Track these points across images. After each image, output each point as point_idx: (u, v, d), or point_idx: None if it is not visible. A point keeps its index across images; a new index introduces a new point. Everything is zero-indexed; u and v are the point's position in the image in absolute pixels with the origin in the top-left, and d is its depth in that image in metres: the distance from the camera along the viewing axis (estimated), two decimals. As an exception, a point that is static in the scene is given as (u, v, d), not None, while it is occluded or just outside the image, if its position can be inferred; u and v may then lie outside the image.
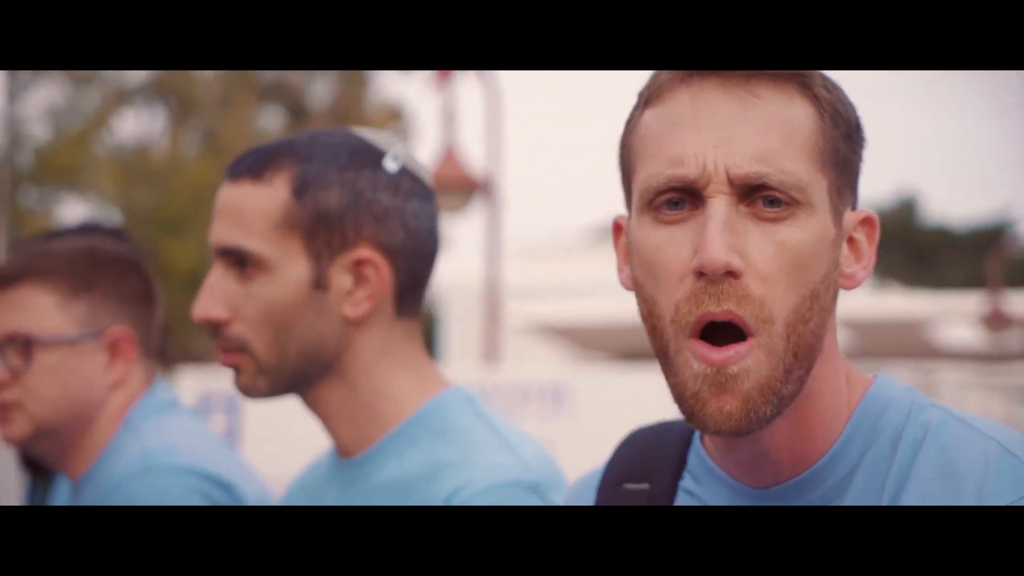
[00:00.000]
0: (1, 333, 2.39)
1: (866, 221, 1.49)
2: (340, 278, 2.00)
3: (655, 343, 1.43)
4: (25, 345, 2.37)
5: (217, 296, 2.00)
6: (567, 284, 21.59)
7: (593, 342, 18.36)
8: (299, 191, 1.99)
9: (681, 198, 1.42)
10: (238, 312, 1.99)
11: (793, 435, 1.45)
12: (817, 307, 1.42)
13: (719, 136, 1.40)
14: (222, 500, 2.28)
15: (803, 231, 1.40)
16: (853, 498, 1.45)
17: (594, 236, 31.02)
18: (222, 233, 2.00)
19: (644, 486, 1.54)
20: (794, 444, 1.45)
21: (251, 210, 1.99)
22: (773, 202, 1.40)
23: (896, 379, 1.52)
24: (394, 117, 26.62)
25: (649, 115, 1.46)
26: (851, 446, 1.46)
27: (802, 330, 1.40)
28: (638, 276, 1.45)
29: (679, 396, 1.41)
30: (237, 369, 2.01)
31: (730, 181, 1.39)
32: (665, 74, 1.45)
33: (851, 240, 1.47)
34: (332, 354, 2.00)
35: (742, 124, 1.41)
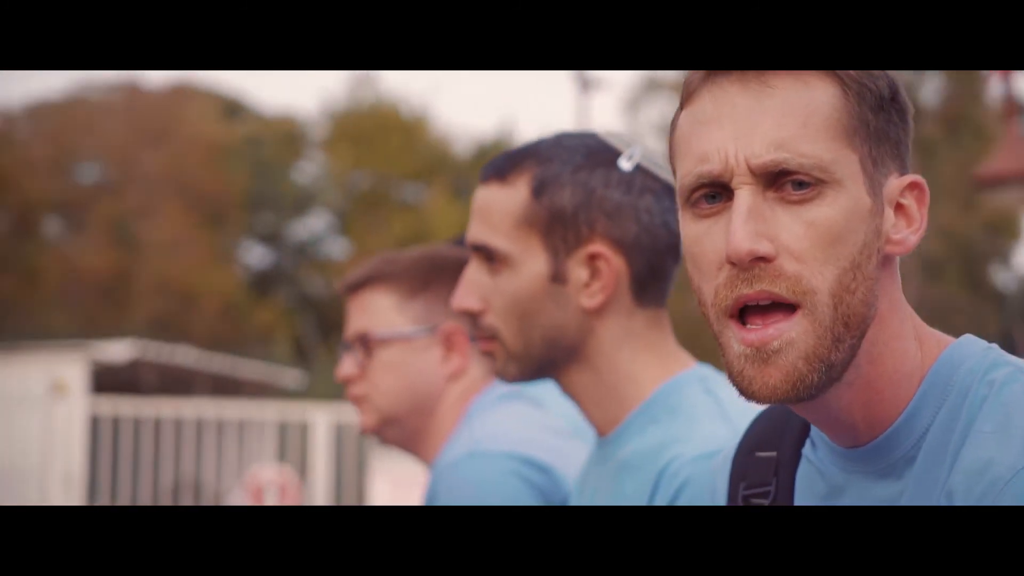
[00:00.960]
0: (351, 333, 2.70)
1: (913, 186, 1.50)
2: (577, 271, 2.13)
3: (710, 329, 1.50)
4: (367, 343, 2.66)
5: (471, 289, 2.18)
6: None
7: None
8: (537, 191, 2.15)
9: (715, 192, 1.49)
10: (489, 303, 2.16)
11: (860, 399, 1.49)
12: (861, 276, 1.45)
13: (738, 128, 1.46)
14: (539, 482, 2.44)
15: (832, 208, 1.44)
16: (924, 457, 1.47)
17: None
18: (473, 231, 2.19)
19: (772, 453, 1.63)
20: (864, 408, 1.50)
21: (496, 210, 2.16)
22: (800, 184, 1.45)
23: (980, 340, 1.53)
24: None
25: (683, 116, 1.54)
26: (924, 407, 1.49)
27: (849, 299, 1.44)
28: (687, 268, 1.53)
29: (729, 375, 1.49)
30: (491, 355, 2.18)
31: (752, 171, 1.45)
32: (694, 74, 1.52)
33: (899, 207, 1.50)
34: (574, 341, 2.14)
35: (759, 115, 1.46)
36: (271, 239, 34.66)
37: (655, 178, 2.16)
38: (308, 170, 35.78)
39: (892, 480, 1.50)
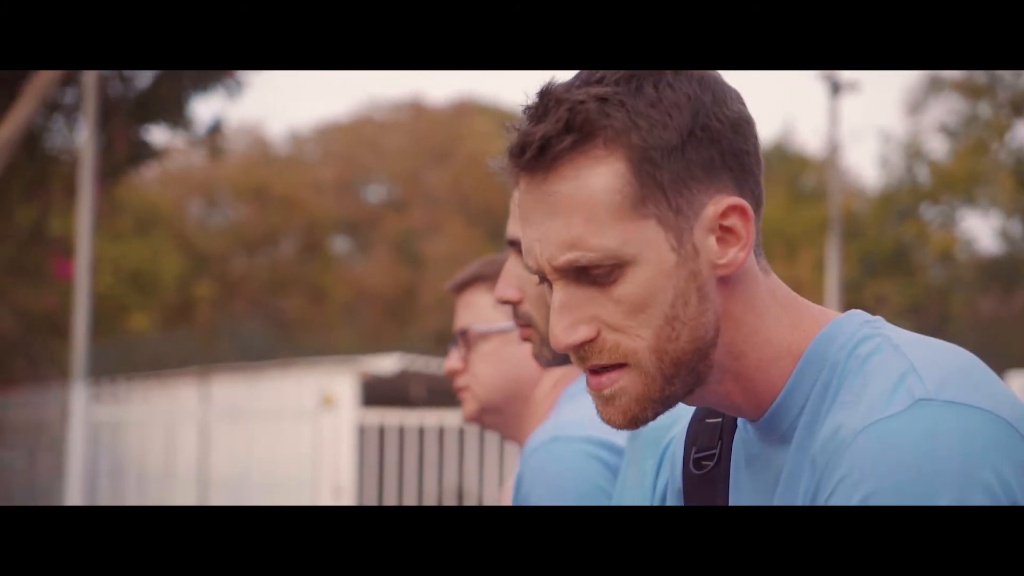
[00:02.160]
0: (456, 329, 2.89)
1: (731, 210, 1.55)
2: None
3: None
4: (468, 337, 2.86)
5: (510, 280, 2.37)
6: None
7: None
8: None
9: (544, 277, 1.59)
10: (525, 293, 2.35)
11: (734, 388, 1.60)
12: (680, 323, 1.55)
13: (539, 232, 1.55)
14: (614, 463, 2.55)
15: (632, 284, 1.54)
16: (800, 429, 1.56)
17: None
18: (511, 229, 2.35)
19: (719, 419, 1.72)
20: (743, 394, 1.61)
21: None
22: (600, 273, 1.54)
23: (862, 314, 1.60)
24: None
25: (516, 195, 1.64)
26: (801, 383, 1.58)
27: (672, 347, 1.55)
28: None
29: None
30: (529, 340, 2.37)
31: (556, 270, 1.54)
32: (505, 161, 1.56)
33: (723, 229, 1.56)
34: None
35: (551, 219, 1.53)
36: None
37: None
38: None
39: (785, 448, 1.59)
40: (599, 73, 1.54)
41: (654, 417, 1.58)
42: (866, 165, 64.21)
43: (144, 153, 16.11)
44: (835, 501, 1.46)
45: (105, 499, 14.74)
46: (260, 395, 13.94)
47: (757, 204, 1.58)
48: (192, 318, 28.01)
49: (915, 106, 28.69)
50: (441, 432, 13.21)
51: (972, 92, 27.27)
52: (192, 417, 14.63)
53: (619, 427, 1.59)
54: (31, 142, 14.87)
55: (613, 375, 1.56)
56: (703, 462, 1.72)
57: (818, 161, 30.30)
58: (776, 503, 1.57)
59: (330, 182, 31.28)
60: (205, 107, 39.44)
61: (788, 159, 32.25)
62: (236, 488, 13.81)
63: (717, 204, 1.55)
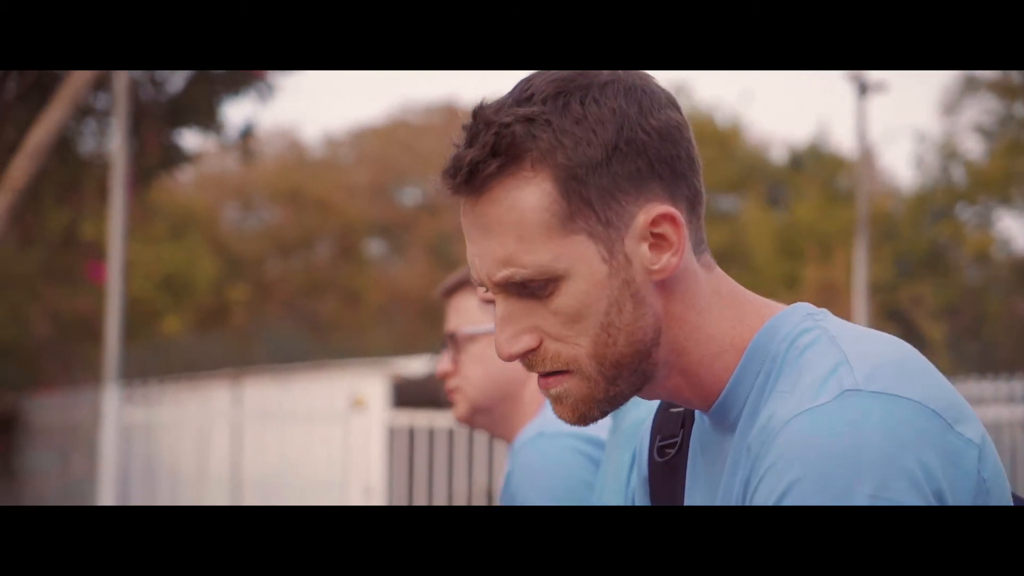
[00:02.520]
0: (445, 332, 2.95)
1: (661, 218, 1.60)
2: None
3: None
4: (456, 340, 2.92)
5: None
6: None
7: None
8: None
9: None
10: None
11: (681, 383, 1.66)
12: (616, 329, 1.60)
13: (477, 248, 1.62)
14: (598, 457, 2.65)
15: (566, 296, 1.59)
16: (743, 418, 1.61)
17: None
18: None
19: (681, 408, 1.78)
20: (690, 389, 1.66)
21: None
22: (535, 287, 1.60)
23: (807, 307, 1.64)
24: None
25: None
26: (746, 375, 1.63)
27: (611, 351, 1.61)
28: None
29: None
30: None
31: (496, 285, 1.61)
32: (442, 184, 1.63)
33: (655, 236, 1.60)
34: None
35: (486, 238, 1.60)
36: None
37: None
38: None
39: (732, 437, 1.64)
40: (530, 89, 1.59)
41: (604, 414, 1.64)
42: (901, 166, 64.01)
43: (176, 157, 16.20)
44: (763, 488, 1.50)
45: (137, 501, 14.81)
46: (292, 397, 13.99)
47: (693, 205, 1.63)
48: (226, 321, 28.13)
49: (950, 106, 28.59)
50: (471, 433, 13.23)
51: (1008, 92, 27.15)
52: (224, 419, 14.70)
53: (571, 423, 1.65)
54: (64, 146, 14.96)
55: (560, 377, 1.62)
56: (666, 450, 1.78)
57: (852, 162, 30.22)
58: (721, 490, 1.62)
59: (364, 185, 31.34)
60: (237, 111, 39.65)
61: (823, 159, 32.17)
62: (268, 489, 13.87)
63: (647, 213, 1.60)
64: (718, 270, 1.66)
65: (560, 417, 1.65)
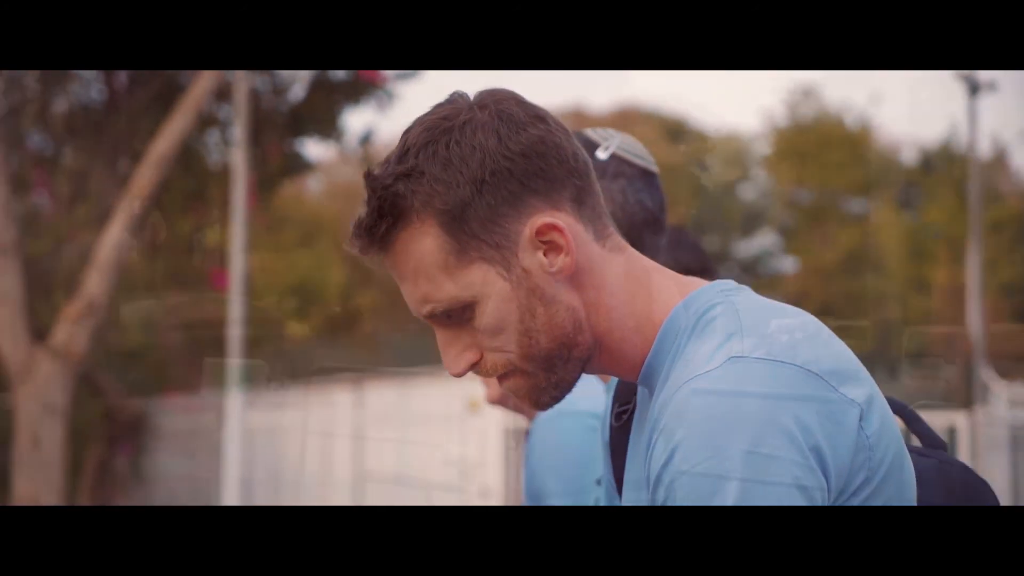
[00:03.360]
0: None
1: (544, 228, 1.75)
2: None
3: None
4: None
5: None
6: None
7: None
8: None
9: None
10: None
11: (610, 360, 1.81)
12: (535, 328, 1.77)
13: (403, 291, 1.81)
14: None
15: (483, 317, 1.77)
16: (660, 387, 1.73)
17: None
18: None
19: (634, 383, 1.88)
20: (618, 364, 1.82)
21: None
22: (458, 315, 1.78)
23: (724, 283, 1.77)
24: None
25: None
26: (663, 347, 1.78)
27: (537, 347, 1.78)
28: None
29: None
30: None
31: (425, 318, 1.80)
32: (352, 247, 1.80)
33: (543, 243, 1.76)
34: None
35: (404, 283, 1.79)
36: (720, 258, 34.87)
37: (630, 164, 2.54)
38: (752, 188, 35.83)
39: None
40: (407, 141, 1.76)
41: (557, 399, 1.81)
42: (1041, 166, 62.71)
43: (297, 165, 16.44)
44: (656, 451, 1.64)
45: (260, 502, 15.05)
46: (411, 401, 14.15)
47: (580, 202, 1.77)
48: (354, 327, 28.41)
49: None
50: (585, 435, 13.26)
51: None
52: (346, 422, 14.89)
53: (534, 409, 1.81)
54: (189, 156, 15.26)
55: (506, 378, 1.80)
56: (622, 415, 1.91)
57: (986, 163, 29.73)
58: (641, 452, 1.75)
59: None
60: (357, 119, 40.16)
61: (955, 161, 31.69)
62: (388, 491, 14.03)
63: (531, 227, 1.75)
64: (631, 251, 1.80)
65: (523, 405, 1.84)
